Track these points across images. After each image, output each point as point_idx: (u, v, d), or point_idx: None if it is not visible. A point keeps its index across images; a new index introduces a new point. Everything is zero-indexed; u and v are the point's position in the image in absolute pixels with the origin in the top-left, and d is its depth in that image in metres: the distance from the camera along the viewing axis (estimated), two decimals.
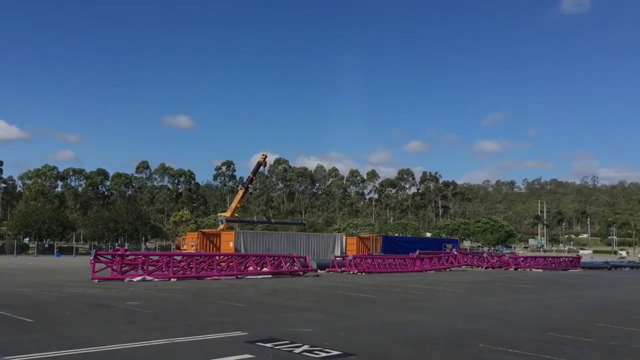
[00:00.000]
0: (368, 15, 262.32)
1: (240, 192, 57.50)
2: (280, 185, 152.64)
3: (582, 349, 10.26)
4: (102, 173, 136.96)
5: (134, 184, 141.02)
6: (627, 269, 59.92)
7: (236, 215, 56.60)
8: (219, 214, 61.93)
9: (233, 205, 55.94)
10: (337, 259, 37.22)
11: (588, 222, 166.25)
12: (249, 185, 60.62)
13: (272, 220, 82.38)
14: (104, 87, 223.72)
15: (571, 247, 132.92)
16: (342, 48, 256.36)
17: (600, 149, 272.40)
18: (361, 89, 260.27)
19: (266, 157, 57.05)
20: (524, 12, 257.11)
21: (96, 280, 23.19)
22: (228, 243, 41.06)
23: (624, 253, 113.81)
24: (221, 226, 52.72)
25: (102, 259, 25.46)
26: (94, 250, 38.07)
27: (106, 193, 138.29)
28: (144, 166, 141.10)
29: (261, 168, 58.51)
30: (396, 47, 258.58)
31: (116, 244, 73.70)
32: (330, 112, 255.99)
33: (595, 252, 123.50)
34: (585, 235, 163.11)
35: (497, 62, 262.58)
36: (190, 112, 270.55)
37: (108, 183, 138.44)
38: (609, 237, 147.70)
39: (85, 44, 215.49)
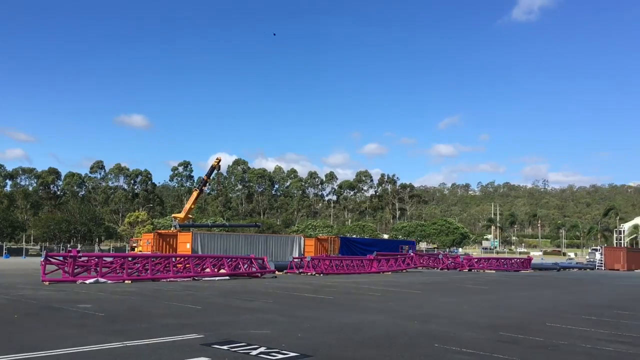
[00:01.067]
0: (328, 15, 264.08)
1: (195, 194, 57.07)
2: (239, 187, 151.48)
3: (533, 348, 10.54)
4: (54, 172, 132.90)
5: (87, 184, 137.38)
6: (575, 270, 62.06)
7: (190, 216, 56.08)
8: (172, 216, 61.22)
9: (187, 206, 55.46)
10: (295, 260, 37.17)
11: (539, 225, 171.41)
12: (203, 188, 60.30)
13: (227, 224, 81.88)
14: (56, 84, 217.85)
15: (522, 250, 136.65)
16: (299, 50, 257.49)
17: (550, 153, 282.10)
18: (318, 91, 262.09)
19: (220, 160, 57.10)
20: (477, 19, 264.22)
21: (47, 282, 22.44)
22: (185, 244, 40.46)
23: (572, 255, 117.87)
24: (172, 228, 52.21)
25: (53, 260, 24.64)
26: (45, 251, 36.88)
27: (58, 193, 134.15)
28: (98, 166, 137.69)
29: (215, 171, 58.45)
30: (353, 51, 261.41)
31: (68, 246, 71.63)
32: (288, 114, 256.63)
33: (545, 253, 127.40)
34: (536, 238, 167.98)
35: (452, 67, 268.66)
36: (145, 111, 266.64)
37: (60, 183, 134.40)
38: (559, 239, 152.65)
39: (35, 39, 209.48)
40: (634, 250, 77.35)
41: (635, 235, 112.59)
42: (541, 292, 25.90)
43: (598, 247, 78.06)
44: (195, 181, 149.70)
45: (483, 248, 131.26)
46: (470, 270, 48.33)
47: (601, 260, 67.02)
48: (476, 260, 53.52)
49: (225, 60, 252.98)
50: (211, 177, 61.11)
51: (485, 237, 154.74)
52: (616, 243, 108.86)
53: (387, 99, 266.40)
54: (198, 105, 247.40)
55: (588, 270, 62.86)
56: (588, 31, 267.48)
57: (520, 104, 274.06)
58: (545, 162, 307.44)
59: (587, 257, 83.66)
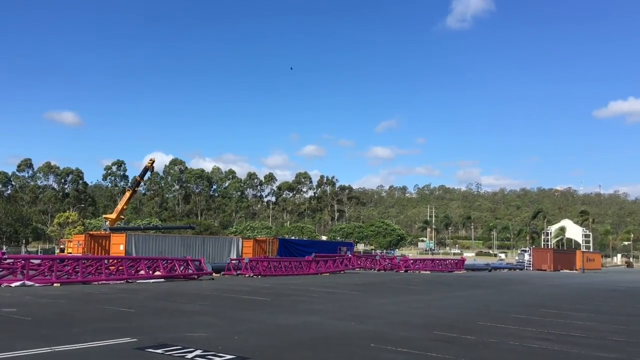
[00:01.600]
0: (268, 17, 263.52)
1: (127, 194, 55.79)
2: (176, 187, 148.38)
3: (465, 346, 10.90)
4: None
5: (14, 183, 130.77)
6: (505, 270, 64.58)
7: (122, 217, 54.76)
8: (104, 217, 59.51)
9: (119, 207, 54.11)
10: (233, 262, 36.81)
11: (472, 227, 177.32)
12: (136, 188, 58.98)
13: (161, 226, 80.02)
14: None
15: (456, 251, 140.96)
16: (236, 51, 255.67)
17: (482, 157, 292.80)
18: (256, 92, 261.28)
19: (154, 161, 56.09)
20: (414, 24, 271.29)
21: None
22: (118, 246, 39.30)
23: (503, 255, 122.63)
24: (103, 229, 50.79)
25: None
26: None
27: None
28: (26, 164, 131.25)
29: (148, 172, 57.35)
30: (291, 53, 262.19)
31: None
32: (226, 114, 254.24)
33: (477, 254, 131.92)
34: (469, 239, 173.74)
35: (389, 71, 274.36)
36: (77, 108, 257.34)
37: None
38: (490, 241, 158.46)
39: None
40: (559, 252, 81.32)
41: (561, 237, 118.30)
42: (473, 292, 26.79)
43: (527, 249, 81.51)
44: (130, 181, 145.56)
45: (426, 249, 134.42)
46: (406, 271, 49.34)
47: (530, 261, 70.09)
48: (412, 261, 54.71)
49: (161, 60, 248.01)
50: (145, 179, 59.86)
51: (421, 238, 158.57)
52: (544, 244, 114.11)
53: (325, 101, 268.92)
54: (133, 104, 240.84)
55: (517, 270, 65.55)
56: (518, 40, 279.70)
57: (455, 109, 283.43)
58: (478, 166, 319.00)
59: (517, 258, 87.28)
